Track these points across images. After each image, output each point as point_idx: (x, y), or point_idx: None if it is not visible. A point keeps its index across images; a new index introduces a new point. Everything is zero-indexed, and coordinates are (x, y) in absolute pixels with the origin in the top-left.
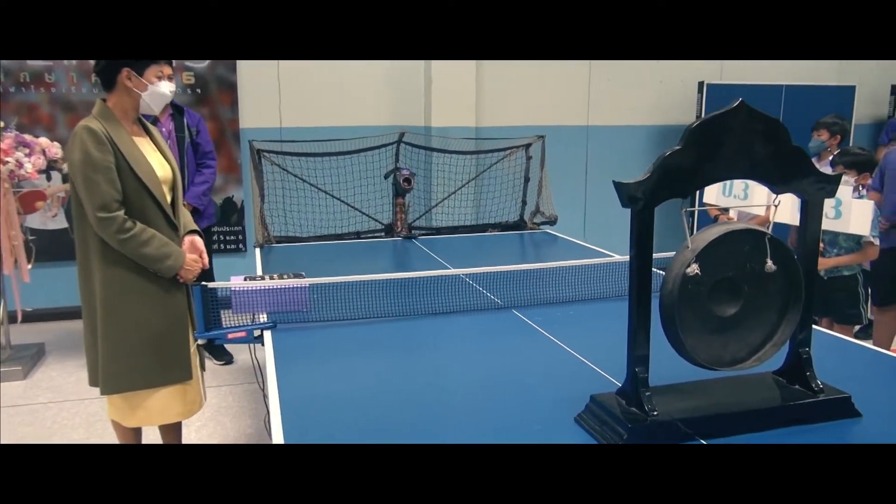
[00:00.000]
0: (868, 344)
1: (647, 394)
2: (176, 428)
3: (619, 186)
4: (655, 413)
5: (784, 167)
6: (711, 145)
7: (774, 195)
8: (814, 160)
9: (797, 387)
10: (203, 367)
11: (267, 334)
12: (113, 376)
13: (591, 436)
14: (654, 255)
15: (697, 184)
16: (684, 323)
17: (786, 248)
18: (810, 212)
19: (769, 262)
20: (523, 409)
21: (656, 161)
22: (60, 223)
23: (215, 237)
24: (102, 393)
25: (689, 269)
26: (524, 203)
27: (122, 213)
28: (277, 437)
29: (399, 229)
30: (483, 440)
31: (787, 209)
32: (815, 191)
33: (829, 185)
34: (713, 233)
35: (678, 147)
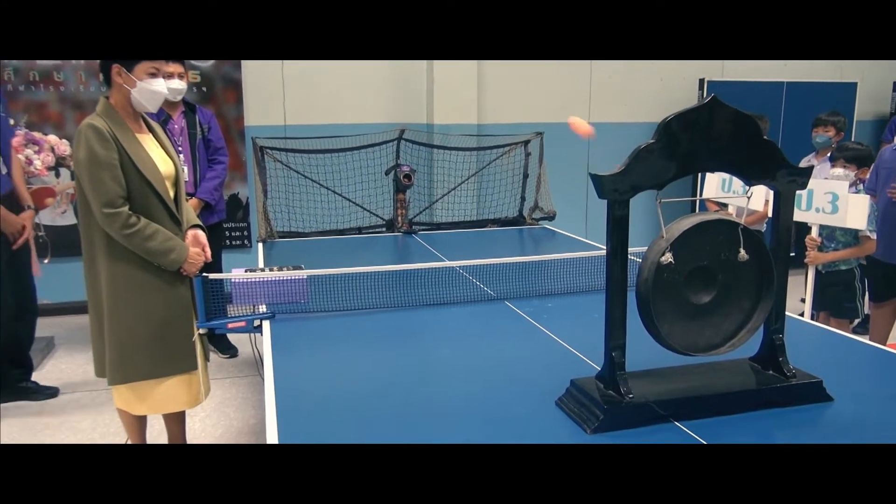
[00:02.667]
0: (864, 339)
1: (624, 377)
2: (180, 417)
3: (596, 179)
4: (631, 396)
5: (756, 160)
6: (685, 139)
7: (749, 188)
8: (811, 156)
9: (771, 372)
10: (207, 358)
11: (266, 324)
12: (119, 367)
13: (571, 418)
14: (639, 248)
15: (671, 176)
16: (659, 310)
17: (758, 239)
18: (782, 203)
19: (742, 252)
20: (508, 393)
21: (632, 154)
22: (70, 219)
23: None
24: (110, 383)
25: (663, 258)
26: (523, 199)
27: (126, 208)
28: (271, 423)
29: (400, 224)
30: (468, 422)
31: None
32: (787, 183)
33: (801, 178)
34: (687, 223)
35: (653, 141)
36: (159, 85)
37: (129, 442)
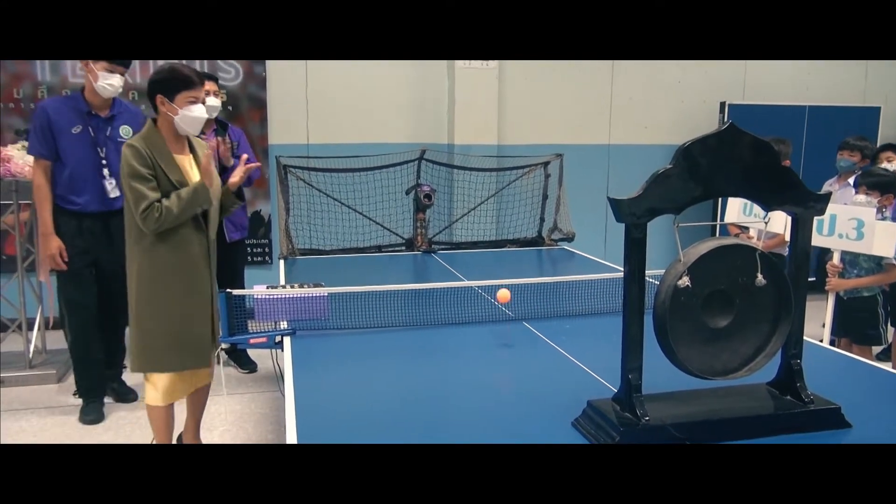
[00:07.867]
0: (886, 366)
1: (640, 399)
2: (203, 394)
3: (613, 202)
4: (647, 418)
5: (773, 186)
6: (702, 165)
7: (766, 213)
8: (833, 180)
9: (788, 397)
10: (218, 362)
11: (287, 340)
12: (140, 356)
13: (586, 439)
14: (657, 271)
15: (689, 201)
16: (676, 333)
17: (775, 264)
18: (800, 228)
19: (759, 277)
20: (525, 413)
21: (649, 179)
22: None
23: None
24: (132, 370)
25: (680, 282)
26: (542, 220)
27: (156, 213)
28: (291, 435)
29: (419, 244)
30: (484, 439)
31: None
32: (805, 209)
33: (819, 204)
34: (705, 247)
35: (670, 166)
36: (199, 111)
37: (154, 442)
